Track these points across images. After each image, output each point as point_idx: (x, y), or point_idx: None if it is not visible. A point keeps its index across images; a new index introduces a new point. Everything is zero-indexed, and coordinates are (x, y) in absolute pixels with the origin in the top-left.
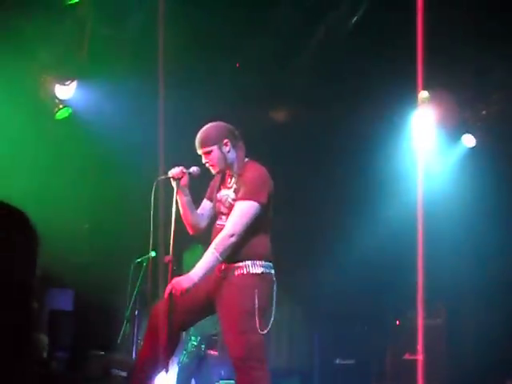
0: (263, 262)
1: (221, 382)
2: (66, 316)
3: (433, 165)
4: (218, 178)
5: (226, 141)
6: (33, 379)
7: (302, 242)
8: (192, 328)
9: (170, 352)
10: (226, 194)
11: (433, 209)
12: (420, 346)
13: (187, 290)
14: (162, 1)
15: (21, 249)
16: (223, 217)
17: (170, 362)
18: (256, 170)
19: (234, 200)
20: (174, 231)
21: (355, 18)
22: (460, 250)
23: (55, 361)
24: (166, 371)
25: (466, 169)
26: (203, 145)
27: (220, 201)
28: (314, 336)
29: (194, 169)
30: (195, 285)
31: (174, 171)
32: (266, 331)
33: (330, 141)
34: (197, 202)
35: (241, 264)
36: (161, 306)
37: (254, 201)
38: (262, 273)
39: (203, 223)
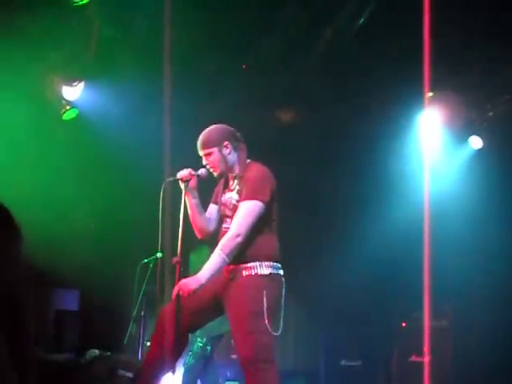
0: (271, 263)
1: (227, 383)
2: (71, 316)
3: (440, 166)
4: (222, 182)
5: (226, 143)
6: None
7: (309, 242)
8: (198, 329)
9: (177, 354)
10: (230, 196)
11: (440, 210)
12: (426, 348)
13: (194, 292)
14: (168, 2)
15: (3, 246)
16: (228, 220)
17: (177, 362)
18: (257, 170)
19: (238, 201)
20: (182, 233)
21: (362, 20)
22: (467, 251)
23: (61, 361)
24: (173, 372)
25: (472, 170)
26: (204, 147)
27: (224, 204)
28: (320, 337)
29: (202, 171)
30: (202, 286)
31: (183, 173)
32: (279, 332)
33: (337, 141)
34: (204, 206)
35: (249, 265)
36: (168, 307)
37: (258, 200)
38: (271, 274)
39: (211, 227)
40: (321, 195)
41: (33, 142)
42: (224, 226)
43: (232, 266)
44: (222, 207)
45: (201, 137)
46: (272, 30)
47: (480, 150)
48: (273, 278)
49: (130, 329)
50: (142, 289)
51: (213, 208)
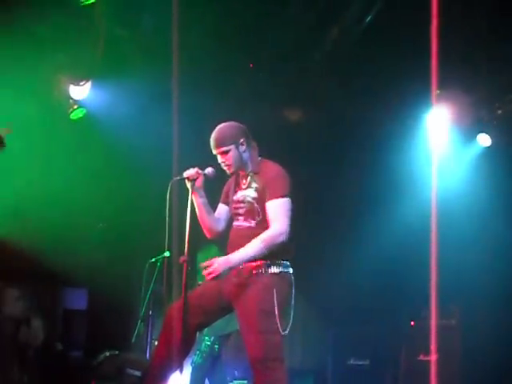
0: (281, 262)
1: (234, 382)
2: (79, 315)
3: (448, 164)
4: (231, 182)
5: (242, 140)
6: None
7: (317, 241)
8: (206, 328)
9: (184, 353)
10: (244, 194)
11: (447, 208)
12: (434, 347)
13: (221, 274)
14: (176, 1)
15: None
16: (240, 218)
17: (185, 361)
18: (277, 168)
19: (255, 199)
20: (189, 232)
21: (368, 18)
22: (475, 249)
23: (69, 360)
24: (181, 371)
25: (481, 168)
26: (220, 144)
27: (237, 202)
28: (328, 336)
29: (209, 170)
30: (230, 269)
31: (189, 172)
32: (287, 331)
33: (344, 140)
34: (212, 205)
35: (259, 263)
36: (176, 306)
37: (287, 197)
38: (281, 272)
39: (220, 226)
40: (328, 194)
41: (41, 142)
42: (236, 223)
43: (242, 265)
44: (234, 205)
45: (215, 134)
46: (278, 28)
47: (488, 147)
48: (283, 277)
49: (137, 328)
50: (150, 288)
51: (222, 208)
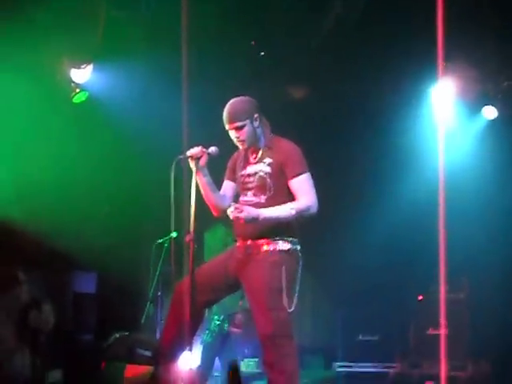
0: (290, 239)
1: (245, 360)
2: (89, 298)
3: (453, 137)
4: (237, 157)
5: (256, 115)
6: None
7: (324, 217)
8: (215, 306)
9: (193, 330)
10: (255, 168)
11: (454, 182)
12: (443, 321)
13: (246, 220)
14: None
15: None
16: (249, 192)
17: (194, 340)
18: (292, 144)
19: (268, 174)
20: (195, 210)
21: None
22: (482, 222)
23: (81, 343)
24: (190, 350)
25: (486, 140)
26: (235, 119)
27: (248, 176)
28: (337, 312)
29: (212, 148)
30: (256, 221)
31: (193, 151)
32: (293, 308)
33: (349, 117)
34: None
35: (267, 240)
36: (185, 282)
37: (308, 172)
38: (289, 249)
39: (227, 203)
40: (334, 171)
41: (44, 126)
42: (244, 199)
43: (250, 242)
44: (243, 179)
45: (229, 109)
46: (282, 5)
47: (494, 120)
48: (292, 254)
49: (147, 309)
50: (158, 269)
51: (228, 184)
